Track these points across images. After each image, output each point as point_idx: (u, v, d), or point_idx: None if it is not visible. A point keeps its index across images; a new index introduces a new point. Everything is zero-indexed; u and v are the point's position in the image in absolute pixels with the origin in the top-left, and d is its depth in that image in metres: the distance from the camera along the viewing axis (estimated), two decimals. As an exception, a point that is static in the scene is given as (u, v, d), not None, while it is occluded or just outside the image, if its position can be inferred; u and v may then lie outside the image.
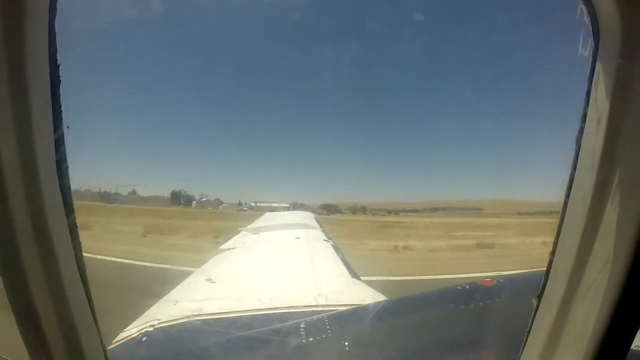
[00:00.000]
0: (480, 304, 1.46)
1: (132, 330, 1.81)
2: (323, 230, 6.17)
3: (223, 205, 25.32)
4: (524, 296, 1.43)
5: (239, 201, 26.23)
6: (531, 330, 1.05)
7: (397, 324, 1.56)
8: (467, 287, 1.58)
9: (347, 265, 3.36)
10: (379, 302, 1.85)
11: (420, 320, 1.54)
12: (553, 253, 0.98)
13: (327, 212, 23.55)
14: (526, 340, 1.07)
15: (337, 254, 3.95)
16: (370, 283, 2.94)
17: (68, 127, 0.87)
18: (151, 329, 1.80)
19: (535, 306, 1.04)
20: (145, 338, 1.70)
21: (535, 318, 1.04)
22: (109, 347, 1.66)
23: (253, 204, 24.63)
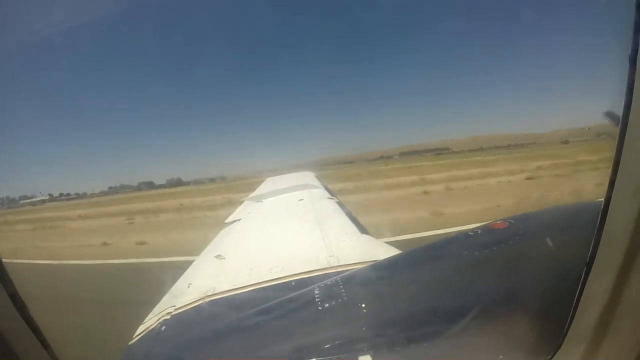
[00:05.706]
0: (496, 248, 1.39)
1: (151, 321, 1.81)
2: (326, 188, 6.12)
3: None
4: (541, 236, 1.36)
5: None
6: (591, 272, 0.97)
7: (411, 278, 1.52)
8: (479, 231, 1.50)
9: (355, 221, 3.33)
10: (391, 257, 1.81)
11: (437, 271, 1.50)
12: (612, 185, 0.89)
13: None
14: (582, 287, 1.00)
15: (343, 210, 3.91)
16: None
17: None
18: (168, 316, 1.79)
19: (593, 239, 0.95)
20: (164, 327, 1.70)
21: (597, 257, 0.95)
22: (130, 343, 1.68)
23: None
